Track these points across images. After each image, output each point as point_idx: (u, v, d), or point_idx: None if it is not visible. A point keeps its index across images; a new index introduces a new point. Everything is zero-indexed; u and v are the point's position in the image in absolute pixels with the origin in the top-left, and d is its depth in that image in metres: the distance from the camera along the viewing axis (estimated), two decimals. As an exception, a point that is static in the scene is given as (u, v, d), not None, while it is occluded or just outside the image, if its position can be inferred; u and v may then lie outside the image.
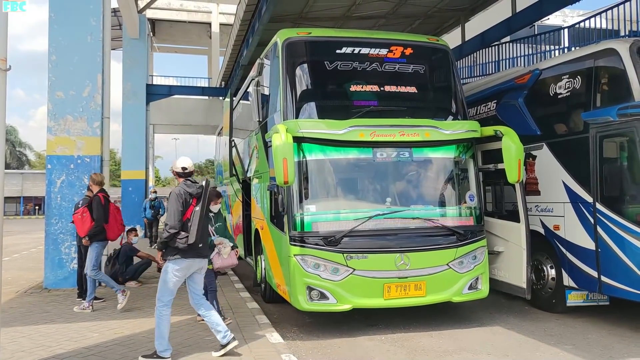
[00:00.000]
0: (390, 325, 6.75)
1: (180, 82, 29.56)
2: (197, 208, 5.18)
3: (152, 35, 29.41)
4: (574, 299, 7.08)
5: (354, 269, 6.27)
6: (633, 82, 6.16)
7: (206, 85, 29.34)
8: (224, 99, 19.01)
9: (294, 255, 6.31)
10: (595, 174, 6.58)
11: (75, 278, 8.65)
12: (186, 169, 5.56)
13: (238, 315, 7.00)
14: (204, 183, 5.38)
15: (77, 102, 9.41)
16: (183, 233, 5.08)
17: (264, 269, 8.12)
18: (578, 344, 6.01)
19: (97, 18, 9.57)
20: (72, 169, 9.32)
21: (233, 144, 11.37)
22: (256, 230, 8.69)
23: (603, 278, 6.47)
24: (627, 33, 11.77)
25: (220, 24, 29.40)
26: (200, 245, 5.23)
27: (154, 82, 27.81)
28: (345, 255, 6.27)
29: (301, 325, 6.91)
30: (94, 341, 5.83)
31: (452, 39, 14.30)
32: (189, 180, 5.46)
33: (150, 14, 25.65)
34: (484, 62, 15.86)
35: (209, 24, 30.22)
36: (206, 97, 26.17)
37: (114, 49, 26.66)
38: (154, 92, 22.26)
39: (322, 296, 6.27)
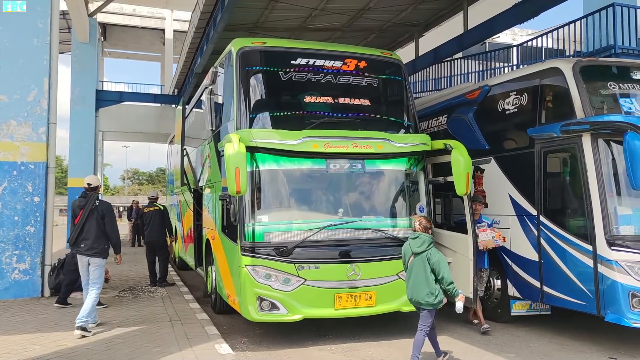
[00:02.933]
0: (341, 335, 6.77)
1: (131, 88, 28.95)
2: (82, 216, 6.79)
3: (102, 39, 28.69)
4: (518, 308, 7.30)
5: (305, 279, 6.26)
6: (575, 100, 6.45)
7: (158, 92, 28.82)
8: (176, 107, 18.71)
9: (245, 265, 6.25)
10: (540, 188, 6.84)
11: (19, 288, 8.54)
12: (90, 184, 7.09)
13: (187, 326, 6.86)
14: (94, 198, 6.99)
15: (22, 106, 9.05)
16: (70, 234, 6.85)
17: (215, 279, 7.99)
18: (521, 352, 6.20)
19: (45, 21, 9.26)
20: (15, 176, 8.93)
21: (185, 153, 11.19)
22: (207, 240, 8.56)
23: (545, 288, 6.71)
24: (572, 53, 12.37)
25: (175, 31, 29.01)
26: (81, 245, 6.78)
27: (104, 88, 27.11)
28: (296, 265, 6.26)
29: (251, 336, 6.83)
30: (35, 354, 5.60)
31: (406, 54, 14.66)
32: (85, 193, 7.05)
33: (101, 17, 25.02)
34: (437, 77, 16.31)
35: (163, 30, 29.77)
36: (158, 105, 25.69)
37: (62, 53, 25.96)
38: (103, 98, 21.69)
39: (273, 306, 6.23)
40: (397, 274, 6.69)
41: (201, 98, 8.99)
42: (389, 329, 7.06)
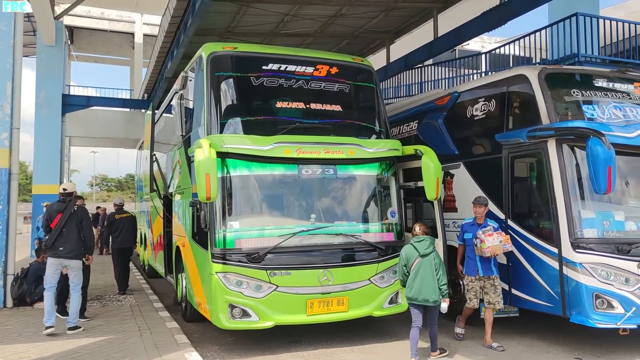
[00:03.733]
0: (313, 341, 6.75)
1: (100, 92, 28.28)
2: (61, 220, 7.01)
3: (69, 43, 28.11)
4: (487, 311, 7.39)
5: (277, 286, 6.23)
6: (541, 106, 6.61)
7: (128, 97, 28.33)
8: (146, 112, 18.44)
9: (216, 272, 6.18)
10: (507, 192, 6.98)
11: None
12: (66, 190, 7.49)
13: (156, 335, 6.74)
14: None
15: (-16, 111, 8.78)
16: (47, 238, 7.01)
17: (185, 287, 7.88)
18: (490, 354, 6.29)
19: (8, 23, 9.02)
20: (-23, 182, 8.64)
21: (154, 159, 11.04)
22: (177, 247, 8.44)
23: (513, 291, 6.83)
24: (538, 60, 12.68)
25: (144, 35, 28.62)
26: (60, 249, 6.97)
27: (71, 92, 26.50)
28: (268, 272, 6.22)
29: (222, 344, 6.76)
30: (-5, 368, 5.40)
31: (378, 60, 14.78)
32: (64, 199, 7.36)
33: (68, 20, 24.52)
34: (408, 83, 16.50)
35: (132, 34, 29.33)
36: (128, 110, 25.27)
37: (27, 56, 25.33)
38: (70, 103, 21.20)
39: (245, 314, 6.18)
40: (369, 279, 6.72)
41: (171, 103, 8.89)
42: (361, 334, 7.08)
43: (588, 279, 5.99)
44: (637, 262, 6.04)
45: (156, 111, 12.20)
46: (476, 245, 6.54)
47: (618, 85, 7.07)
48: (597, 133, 5.82)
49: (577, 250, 6.06)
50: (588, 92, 6.88)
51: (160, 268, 10.83)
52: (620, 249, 6.09)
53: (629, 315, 5.89)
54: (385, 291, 6.81)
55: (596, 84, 7.03)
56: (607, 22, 11.10)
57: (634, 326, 5.95)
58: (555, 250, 6.23)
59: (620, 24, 11.17)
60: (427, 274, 5.87)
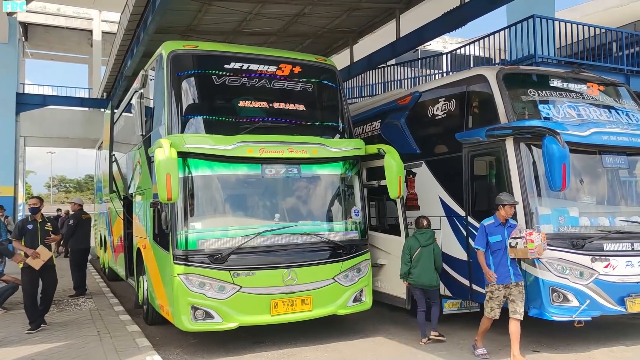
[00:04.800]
0: (277, 342, 6.73)
1: (56, 91, 27.44)
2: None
3: (24, 40, 27.18)
4: (449, 307, 7.53)
5: (241, 286, 6.19)
6: (499, 105, 6.76)
7: (86, 95, 27.59)
8: (105, 111, 18.00)
9: (178, 274, 6.09)
10: (468, 190, 7.11)
11: None
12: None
13: (116, 339, 6.60)
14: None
15: None
16: None
17: (147, 289, 7.74)
18: (451, 350, 6.41)
19: (-43, 17, 8.66)
20: None
21: (114, 159, 10.79)
22: (138, 249, 8.27)
23: (474, 286, 6.96)
24: (498, 61, 12.97)
25: (103, 32, 27.92)
26: None
27: (26, 91, 25.63)
28: (231, 272, 6.17)
29: (185, 346, 6.66)
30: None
31: (341, 60, 14.84)
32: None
33: (22, 17, 23.69)
34: (372, 83, 16.63)
35: (90, 31, 28.57)
36: (86, 109, 24.62)
37: (-22, 53, 24.33)
38: (25, 102, 20.51)
39: (208, 315, 6.11)
40: (333, 278, 6.74)
41: (131, 102, 8.70)
42: (325, 333, 7.10)
43: (545, 273, 6.16)
44: (591, 257, 6.24)
45: (115, 110, 11.92)
46: (514, 247, 5.90)
47: (572, 86, 7.30)
48: (553, 132, 5.99)
49: (534, 246, 6.22)
50: (544, 92, 7.08)
51: (121, 270, 10.61)
52: (575, 244, 6.28)
53: (583, 307, 6.08)
54: (349, 289, 6.85)
55: (552, 84, 7.23)
56: (563, 24, 11.45)
57: (589, 318, 6.15)
58: (514, 246, 6.38)
59: (575, 26, 11.54)
60: (428, 262, 6.69)
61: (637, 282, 6.32)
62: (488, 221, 6.08)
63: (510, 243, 5.93)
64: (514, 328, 5.84)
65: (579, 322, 6.20)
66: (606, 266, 6.24)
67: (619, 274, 6.29)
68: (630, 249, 6.42)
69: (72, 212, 11.11)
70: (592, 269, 6.21)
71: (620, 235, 6.52)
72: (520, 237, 5.86)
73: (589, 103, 7.19)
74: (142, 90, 7.83)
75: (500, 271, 5.92)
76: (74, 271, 10.39)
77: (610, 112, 7.21)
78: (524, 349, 6.33)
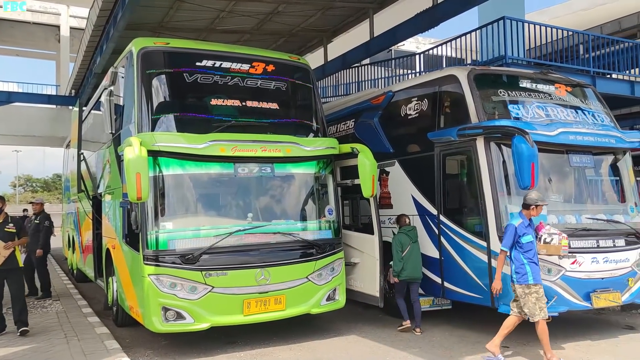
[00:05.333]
0: (250, 342, 6.69)
1: (22, 88, 26.70)
2: None
3: (-12, 35, 26.41)
4: (422, 304, 7.57)
5: (213, 287, 6.12)
6: (470, 105, 6.85)
7: (54, 93, 26.93)
8: (73, 109, 17.60)
9: (148, 275, 6.00)
10: (439, 189, 7.19)
11: None
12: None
13: (84, 342, 6.46)
14: None
15: None
16: None
17: (116, 290, 7.59)
18: (424, 347, 6.46)
19: None
20: None
21: (82, 158, 10.57)
22: (107, 250, 8.12)
23: (446, 284, 7.05)
24: (470, 61, 13.14)
25: (71, 28, 27.26)
26: None
27: (-9, 87, 24.90)
28: (203, 272, 6.10)
29: (156, 347, 6.57)
30: None
31: (316, 59, 14.81)
32: None
33: (-14, 11, 23.03)
34: (347, 82, 16.67)
35: (58, 26, 27.88)
36: (54, 106, 24.01)
37: (-60, 48, 23.51)
38: (-11, 99, 19.94)
39: (179, 316, 6.03)
40: (306, 277, 6.73)
41: (100, 99, 8.53)
42: (299, 332, 7.08)
43: (513, 270, 6.26)
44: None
45: (84, 108, 11.67)
46: (548, 243, 5.87)
47: (541, 86, 7.44)
48: (522, 131, 6.09)
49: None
50: (514, 92, 7.20)
51: (90, 272, 10.41)
52: (543, 241, 6.39)
53: (551, 303, 6.20)
54: (322, 288, 6.85)
55: (521, 85, 7.36)
56: (532, 26, 11.66)
57: (556, 314, 6.27)
58: (484, 243, 6.49)
59: (544, 28, 11.76)
60: (417, 256, 7.12)
61: (602, 278, 6.48)
62: (517, 221, 5.86)
63: (545, 239, 5.88)
64: (544, 327, 5.77)
65: (547, 317, 6.32)
66: (573, 263, 6.39)
67: (585, 270, 6.45)
68: (595, 245, 6.59)
69: (35, 213, 10.75)
70: (559, 265, 6.35)
71: (586, 232, 6.68)
72: (555, 234, 5.89)
73: (557, 103, 7.35)
74: (111, 88, 7.69)
75: (535, 270, 5.78)
76: (39, 273, 10.12)
77: (577, 112, 7.38)
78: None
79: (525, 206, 5.90)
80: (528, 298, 5.71)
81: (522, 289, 5.73)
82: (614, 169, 7.57)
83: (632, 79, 12.70)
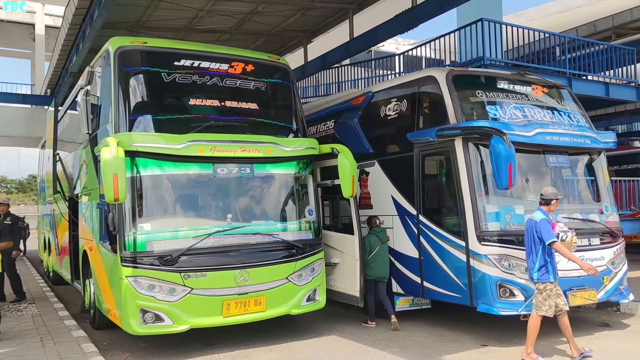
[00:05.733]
0: (230, 343, 6.64)
1: (-4, 87, 26.16)
2: None
3: (-39, 33, 25.82)
4: (401, 304, 7.64)
5: (192, 288, 6.07)
6: (449, 106, 6.91)
7: (29, 92, 26.42)
8: (48, 108, 17.29)
9: (126, 277, 5.92)
10: (419, 189, 7.24)
11: None
12: None
13: (60, 345, 6.35)
14: None
15: None
16: None
17: (93, 293, 7.48)
18: (403, 346, 6.50)
19: None
20: None
21: (58, 158, 10.39)
22: (84, 252, 7.99)
23: (425, 283, 7.10)
24: (449, 62, 13.25)
25: (47, 26, 26.76)
26: None
27: (-37, 87, 24.34)
28: (182, 274, 6.05)
29: (135, 350, 6.49)
30: None
31: (296, 59, 14.78)
32: None
33: (-41, 8, 22.49)
34: (327, 82, 16.68)
35: (33, 25, 27.37)
36: (28, 106, 23.55)
37: None
38: (-39, 98, 19.46)
39: (157, 318, 5.97)
40: (286, 278, 6.71)
41: (77, 99, 8.40)
42: (279, 333, 7.06)
43: (492, 269, 6.34)
44: (536, 253, 6.46)
45: (60, 108, 11.47)
46: (564, 240, 5.88)
47: (518, 88, 7.54)
48: (499, 132, 6.16)
49: (482, 242, 6.40)
50: (491, 93, 7.28)
51: (66, 274, 10.24)
52: (521, 241, 6.46)
53: (528, 302, 6.29)
54: (303, 289, 6.84)
55: (499, 86, 7.44)
56: (510, 28, 11.81)
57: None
58: (463, 243, 6.55)
59: (521, 30, 11.92)
60: (385, 256, 7.45)
61: (579, 277, 6.58)
62: (544, 216, 5.83)
63: (562, 236, 5.87)
64: (567, 321, 5.86)
65: (525, 316, 6.41)
66: (550, 262, 6.47)
67: (562, 268, 6.50)
68: (572, 244, 6.68)
69: (2, 214, 10.45)
70: (535, 264, 6.42)
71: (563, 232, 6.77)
72: (568, 231, 5.96)
73: (534, 104, 7.45)
74: (88, 87, 7.58)
75: (555, 267, 5.82)
76: (9, 276, 9.88)
77: (553, 113, 7.49)
78: (473, 344, 6.50)
79: (546, 202, 5.94)
80: (541, 294, 5.77)
81: (544, 286, 5.75)
82: (590, 169, 7.70)
83: (607, 80, 12.94)
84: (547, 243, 5.66)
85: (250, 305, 6.40)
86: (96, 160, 6.92)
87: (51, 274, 12.65)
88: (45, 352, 6.11)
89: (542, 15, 20.24)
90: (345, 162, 7.15)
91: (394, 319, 7.27)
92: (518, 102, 7.31)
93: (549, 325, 6.14)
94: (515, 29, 11.84)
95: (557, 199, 5.97)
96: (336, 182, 7.38)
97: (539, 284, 5.78)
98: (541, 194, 6.03)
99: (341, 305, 8.00)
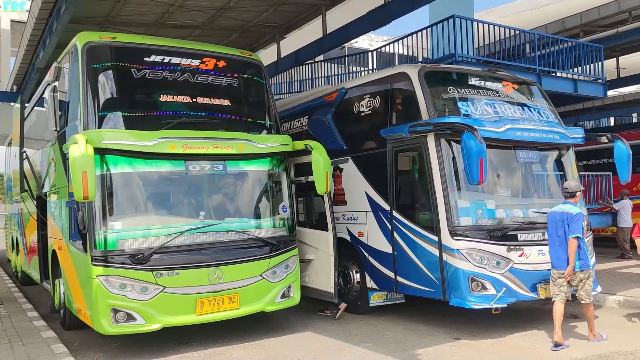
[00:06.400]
0: (204, 341, 6.60)
1: (-40, 83, 25.37)
2: None
3: None
4: (375, 299, 7.70)
5: (165, 287, 6.00)
6: (421, 102, 6.96)
7: (-6, 88, 25.71)
8: (15, 105, 16.85)
9: (97, 276, 5.82)
10: (392, 185, 7.28)
11: None
12: None
13: (29, 346, 6.22)
14: None
15: None
16: None
17: (63, 293, 7.34)
18: (377, 341, 6.54)
19: None
20: None
21: (25, 156, 10.15)
22: (53, 251, 7.82)
23: (399, 278, 7.15)
24: (421, 59, 13.35)
25: (12, 21, 26.04)
26: None
27: None
28: (154, 272, 5.97)
29: (106, 350, 6.40)
30: None
31: (269, 55, 14.71)
32: None
33: None
34: (301, 79, 16.64)
35: (-1, 19, 26.63)
36: (-6, 102, 22.93)
37: None
38: None
39: (129, 317, 5.89)
40: (260, 275, 6.68)
41: (44, 96, 8.20)
42: (253, 330, 7.04)
43: (464, 263, 6.42)
44: (507, 247, 6.58)
45: (27, 104, 11.20)
46: None
47: (489, 84, 7.63)
48: (470, 128, 6.22)
49: (454, 237, 6.47)
50: (463, 89, 7.36)
51: (35, 274, 10.02)
52: (492, 235, 6.59)
53: (499, 295, 6.40)
54: (277, 286, 6.82)
55: (470, 82, 7.53)
56: (481, 25, 11.95)
57: (505, 305, 6.48)
58: (436, 238, 6.61)
59: (492, 27, 12.07)
60: None
61: (548, 270, 6.68)
62: (579, 210, 6.19)
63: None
64: (591, 311, 6.24)
65: (496, 309, 6.53)
66: (520, 255, 6.61)
67: (532, 262, 6.68)
68: (541, 238, 6.81)
69: None
70: (507, 258, 6.54)
71: (533, 225, 6.91)
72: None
73: (504, 100, 7.55)
74: (55, 84, 7.41)
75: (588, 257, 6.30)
76: None
77: (523, 109, 7.60)
78: (446, 338, 6.58)
79: (572, 194, 6.28)
80: (586, 282, 6.12)
81: (584, 274, 6.11)
82: (559, 164, 7.84)
83: (575, 77, 13.21)
84: (572, 237, 5.98)
85: (224, 303, 6.36)
86: (65, 157, 6.78)
87: (19, 274, 12.38)
88: (14, 353, 5.97)
89: (513, 12, 20.56)
90: (319, 158, 7.14)
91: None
92: (489, 98, 7.40)
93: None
94: (486, 26, 11.98)
95: (581, 190, 6.39)
96: (310, 178, 7.38)
97: (582, 272, 6.11)
98: (565, 188, 6.39)
99: (316, 301, 8.01)
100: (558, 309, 6.11)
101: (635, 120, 25.47)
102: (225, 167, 6.82)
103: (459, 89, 7.32)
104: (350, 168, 8.08)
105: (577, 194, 6.34)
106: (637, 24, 15.34)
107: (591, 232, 7.60)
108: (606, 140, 7.81)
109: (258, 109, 7.78)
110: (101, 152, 5.95)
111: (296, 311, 7.76)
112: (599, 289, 7.35)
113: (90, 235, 5.95)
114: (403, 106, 7.39)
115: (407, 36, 12.85)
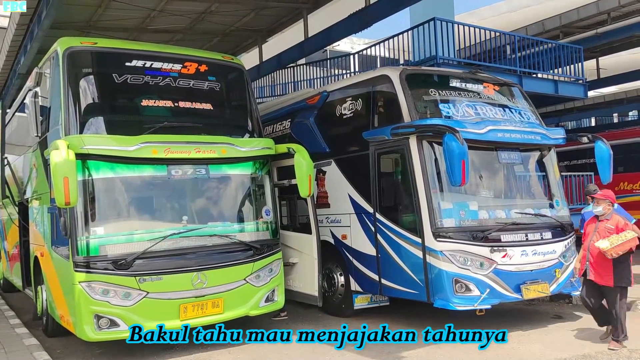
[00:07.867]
0: (188, 346, 6.57)
1: (-60, 89, 24.98)
2: None
3: None
4: (360, 302, 7.71)
5: (148, 292, 5.98)
6: (403, 104, 7.00)
7: (-24, 94, 25.35)
8: (-3, 111, 16.62)
9: (79, 282, 5.78)
10: (375, 187, 7.31)
11: None
12: None
13: (12, 354, 6.15)
14: None
15: None
16: None
17: (46, 300, 7.26)
18: (363, 344, 6.53)
19: None
20: None
21: (6, 162, 10.04)
22: (35, 257, 7.74)
23: (383, 281, 7.18)
24: (403, 61, 13.43)
25: (-7, 26, 25.80)
26: None
27: None
28: (137, 278, 5.94)
29: (89, 357, 6.37)
30: None
31: (251, 59, 14.71)
32: None
33: None
34: (284, 82, 16.64)
35: (-21, 24, 26.32)
36: (-24, 108, 22.62)
37: None
38: None
39: (113, 324, 5.85)
40: (244, 279, 6.67)
41: (25, 101, 8.12)
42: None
43: (448, 265, 6.46)
44: (490, 248, 6.63)
45: (8, 110, 11.07)
46: None
47: (470, 86, 7.70)
48: (452, 130, 6.26)
49: (438, 239, 6.51)
50: (444, 91, 7.43)
51: (18, 281, 9.91)
52: (475, 236, 6.64)
53: (483, 296, 6.45)
54: (261, 290, 6.82)
55: (451, 84, 7.60)
56: (462, 27, 12.06)
57: (489, 306, 6.53)
58: (419, 240, 6.64)
59: (473, 29, 12.19)
60: None
61: (532, 270, 6.79)
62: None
63: None
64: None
65: (481, 310, 6.57)
66: (504, 256, 6.66)
67: (515, 263, 6.73)
68: (524, 239, 6.90)
69: None
70: (491, 259, 6.59)
71: (516, 226, 6.98)
72: None
73: (486, 102, 7.62)
74: (36, 89, 7.32)
75: None
76: None
77: (504, 110, 7.68)
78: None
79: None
80: None
81: None
82: (540, 165, 7.92)
83: (556, 78, 13.38)
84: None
85: (207, 307, 6.34)
86: (46, 163, 6.71)
87: (1, 281, 12.22)
88: (-6, 363, 5.90)
89: (494, 14, 20.76)
90: (302, 161, 7.16)
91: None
92: (470, 100, 7.46)
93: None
94: (467, 28, 12.10)
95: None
96: (293, 181, 7.39)
97: None
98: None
99: (300, 305, 8.03)
100: None
101: (616, 120, 25.88)
102: (207, 171, 6.82)
103: (440, 91, 7.38)
104: (333, 171, 8.10)
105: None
106: (616, 25, 15.60)
107: (574, 232, 7.67)
108: (587, 141, 7.90)
109: (240, 113, 7.79)
110: (83, 158, 5.93)
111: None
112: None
113: (73, 241, 5.91)
114: (385, 108, 7.44)
115: (388, 39, 12.92)
